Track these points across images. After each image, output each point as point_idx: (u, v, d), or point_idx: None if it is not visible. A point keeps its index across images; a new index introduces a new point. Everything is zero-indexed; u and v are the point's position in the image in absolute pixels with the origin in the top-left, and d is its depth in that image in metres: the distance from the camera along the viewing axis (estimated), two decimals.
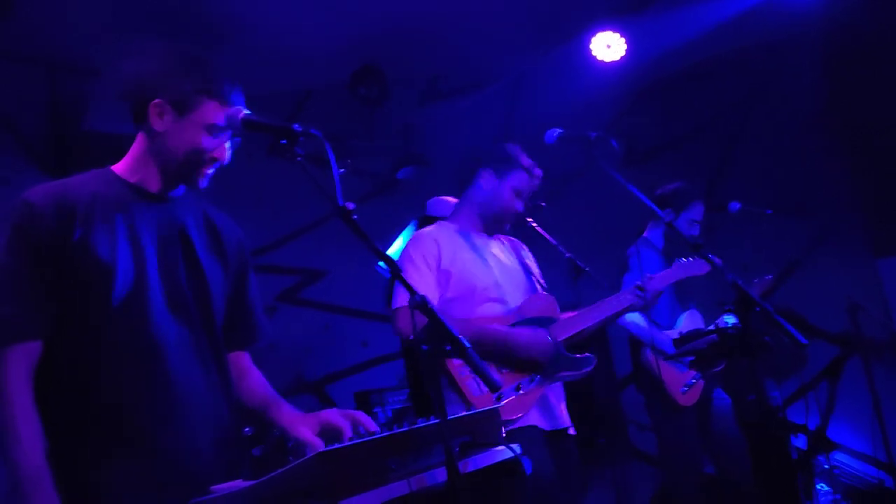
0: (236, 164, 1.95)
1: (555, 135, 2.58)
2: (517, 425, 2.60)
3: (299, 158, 1.73)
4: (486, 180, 2.92)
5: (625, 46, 5.39)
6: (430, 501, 1.52)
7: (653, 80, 5.94)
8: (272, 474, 1.38)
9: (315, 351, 5.58)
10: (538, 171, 2.93)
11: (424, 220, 4.13)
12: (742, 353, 2.19)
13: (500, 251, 2.99)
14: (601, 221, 5.60)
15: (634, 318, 3.87)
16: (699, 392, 3.80)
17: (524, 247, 3.13)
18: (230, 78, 1.87)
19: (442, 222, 3.00)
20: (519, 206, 2.91)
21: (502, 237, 3.07)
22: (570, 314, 2.83)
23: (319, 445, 1.76)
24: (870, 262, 5.72)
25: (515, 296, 2.82)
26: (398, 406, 4.88)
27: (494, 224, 2.96)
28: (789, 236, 5.59)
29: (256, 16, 4.59)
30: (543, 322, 2.74)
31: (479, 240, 2.95)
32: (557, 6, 5.11)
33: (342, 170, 1.70)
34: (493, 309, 2.76)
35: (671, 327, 3.93)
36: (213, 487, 1.46)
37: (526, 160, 2.92)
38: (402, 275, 2.42)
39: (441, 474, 1.53)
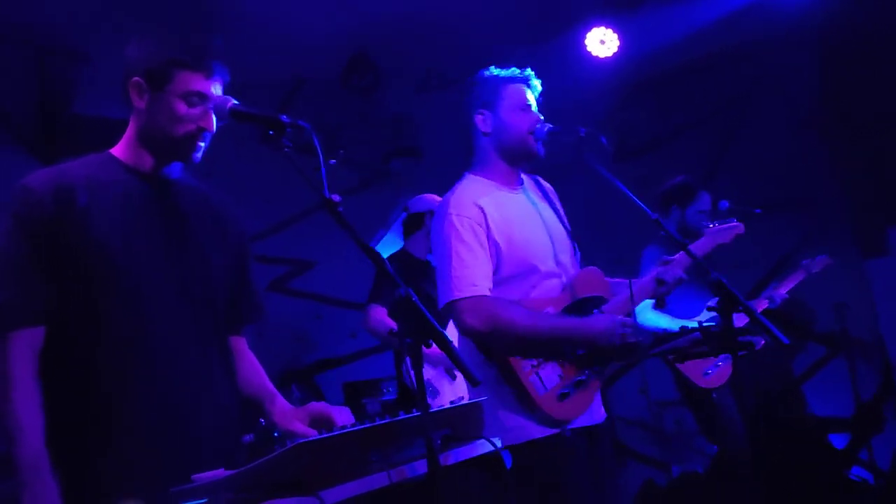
0: (226, 152, 1.95)
1: (544, 130, 2.55)
2: (576, 424, 2.38)
3: (286, 149, 1.73)
4: (484, 121, 2.57)
5: (618, 42, 5.40)
6: (410, 493, 1.53)
7: (647, 75, 5.95)
8: (251, 464, 1.38)
9: (304, 341, 5.58)
10: (528, 73, 2.61)
11: (412, 219, 4.12)
12: (724, 351, 2.20)
13: (539, 200, 2.65)
14: (594, 215, 5.61)
15: (650, 314, 3.93)
16: (726, 375, 3.85)
17: (552, 190, 2.79)
18: (205, 46, 1.86)
19: (471, 176, 2.59)
20: (532, 118, 2.54)
21: (533, 182, 2.73)
22: (616, 296, 2.58)
23: (312, 435, 1.79)
24: (858, 263, 5.75)
25: (567, 265, 2.56)
26: (387, 398, 4.88)
27: (522, 157, 2.58)
28: (779, 235, 5.61)
29: (250, 3, 4.57)
30: (596, 302, 2.52)
31: (518, 195, 2.60)
32: (551, 1, 5.11)
33: (333, 160, 1.70)
34: (551, 287, 2.48)
35: (696, 315, 3.95)
36: (194, 476, 1.46)
37: (507, 73, 2.59)
38: (448, 256, 2.38)
39: (421, 466, 1.54)
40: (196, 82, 1.82)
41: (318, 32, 4.98)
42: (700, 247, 2.89)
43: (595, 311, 2.51)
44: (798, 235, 5.79)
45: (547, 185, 2.80)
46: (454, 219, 2.44)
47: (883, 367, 5.53)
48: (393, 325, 3.74)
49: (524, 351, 2.36)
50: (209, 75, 1.84)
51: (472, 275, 2.38)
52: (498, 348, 2.36)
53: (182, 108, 1.82)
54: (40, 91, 4.70)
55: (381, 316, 3.76)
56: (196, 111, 1.83)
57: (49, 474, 1.66)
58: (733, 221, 3.05)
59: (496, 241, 2.44)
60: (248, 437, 4.11)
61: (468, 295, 2.35)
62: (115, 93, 1.92)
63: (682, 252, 2.62)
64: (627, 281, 2.53)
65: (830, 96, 5.93)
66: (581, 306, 2.49)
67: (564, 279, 2.53)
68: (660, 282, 2.55)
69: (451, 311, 2.39)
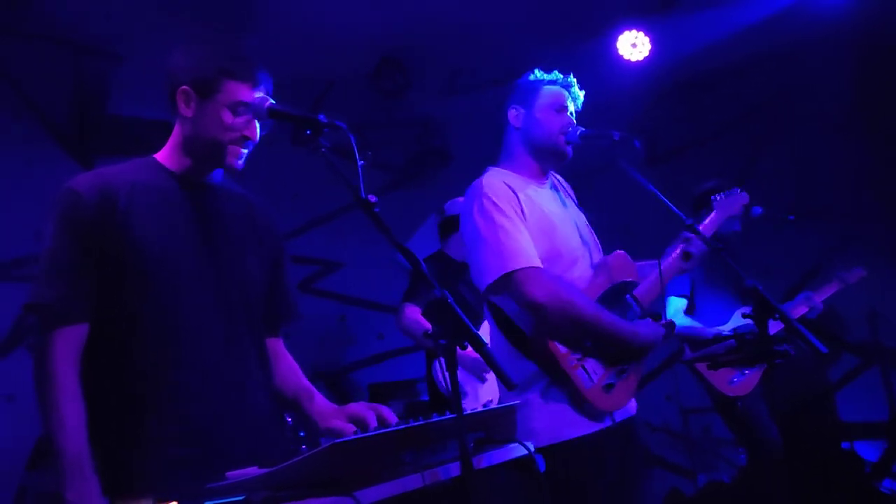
0: (256, 152, 1.96)
1: (577, 133, 2.53)
2: (624, 416, 2.40)
3: (323, 150, 1.73)
4: (517, 117, 2.59)
5: (649, 46, 5.37)
6: (444, 495, 1.52)
7: (679, 79, 5.91)
8: (286, 463, 1.38)
9: (331, 342, 5.61)
10: (571, 80, 2.63)
11: (448, 222, 4.09)
12: (759, 359, 2.17)
13: (564, 196, 2.67)
14: (626, 218, 5.58)
15: (682, 319, 3.90)
16: (754, 383, 3.83)
17: (569, 186, 2.80)
18: (252, 58, 1.89)
19: (496, 168, 2.60)
20: (564, 120, 2.55)
21: (558, 182, 2.73)
22: (646, 279, 2.57)
23: (348, 434, 1.80)
24: (892, 271, 5.66)
25: (593, 253, 2.57)
26: (411, 400, 4.88)
27: (549, 155, 2.58)
28: (812, 242, 5.54)
29: (281, 4, 4.61)
30: (629, 286, 2.52)
31: (544, 189, 2.60)
32: (582, 4, 5.09)
33: (363, 161, 1.71)
34: (580, 272, 2.47)
35: (724, 322, 3.94)
36: (228, 473, 1.47)
37: (550, 76, 2.61)
38: (493, 230, 2.36)
39: (455, 469, 1.53)
40: (243, 92, 1.86)
41: (348, 34, 5.00)
42: (711, 221, 2.77)
43: (627, 296, 2.50)
44: (831, 243, 5.71)
45: (563, 181, 2.80)
46: (491, 197, 2.40)
47: None
48: (426, 324, 3.73)
49: (572, 338, 2.32)
50: (255, 85, 1.87)
51: (523, 247, 2.34)
52: (551, 324, 2.30)
53: (228, 117, 1.86)
54: (75, 90, 4.77)
55: (414, 315, 3.73)
56: (241, 120, 1.87)
57: (91, 471, 1.68)
58: (737, 191, 2.93)
59: (527, 224, 2.42)
60: None
61: (526, 265, 2.31)
62: (149, 94, 1.96)
63: (704, 221, 2.64)
64: (656, 262, 2.52)
65: (864, 101, 5.84)
66: (617, 291, 2.48)
67: (592, 265, 2.53)
68: (686, 255, 2.52)
69: (510, 282, 2.32)
